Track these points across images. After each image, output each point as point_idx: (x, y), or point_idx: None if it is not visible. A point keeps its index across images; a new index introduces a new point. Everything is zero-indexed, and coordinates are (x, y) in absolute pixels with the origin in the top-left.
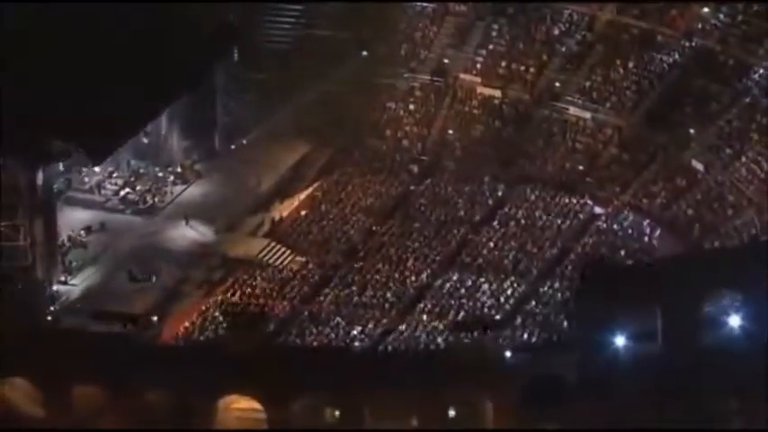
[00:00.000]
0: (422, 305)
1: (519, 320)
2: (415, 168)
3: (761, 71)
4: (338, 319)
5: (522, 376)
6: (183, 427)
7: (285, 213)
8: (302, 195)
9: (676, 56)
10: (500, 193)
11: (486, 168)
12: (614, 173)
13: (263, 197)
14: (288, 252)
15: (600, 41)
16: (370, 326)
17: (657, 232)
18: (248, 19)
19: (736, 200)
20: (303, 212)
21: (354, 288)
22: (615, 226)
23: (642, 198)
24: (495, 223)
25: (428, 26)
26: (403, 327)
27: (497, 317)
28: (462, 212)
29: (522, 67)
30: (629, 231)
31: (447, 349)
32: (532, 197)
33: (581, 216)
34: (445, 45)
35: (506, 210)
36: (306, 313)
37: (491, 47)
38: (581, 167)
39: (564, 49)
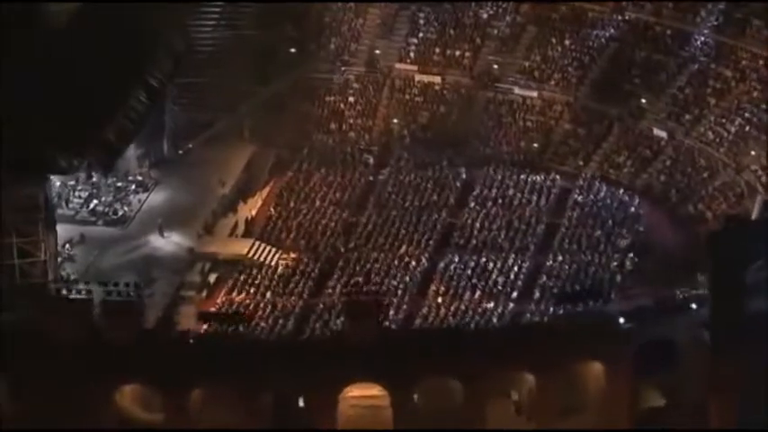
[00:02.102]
0: (433, 288)
1: (537, 294)
2: (371, 159)
3: (701, 38)
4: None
5: (636, 341)
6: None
7: (254, 213)
8: (264, 194)
9: (612, 30)
10: (464, 176)
11: (439, 153)
12: (573, 147)
13: (227, 198)
14: (274, 250)
15: (531, 22)
16: (392, 312)
17: (637, 200)
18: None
19: (708, 163)
20: (272, 211)
21: (360, 278)
22: (591, 197)
23: (609, 169)
24: (473, 205)
25: (353, 19)
26: (425, 310)
27: (514, 293)
28: (435, 197)
29: (458, 52)
30: (609, 202)
31: (561, 320)
32: (499, 177)
33: (554, 191)
34: (374, 36)
35: (478, 191)
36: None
37: (421, 35)
38: (536, 145)
39: (496, 32)
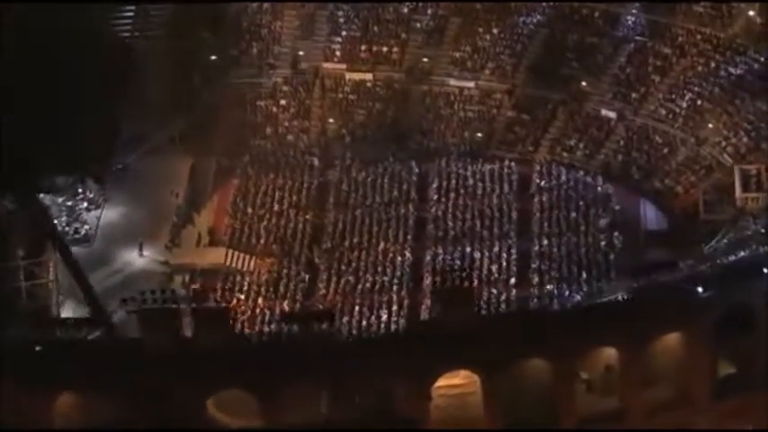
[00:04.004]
0: (427, 282)
1: (536, 279)
2: (315, 161)
3: (631, 18)
4: (358, 307)
5: (716, 309)
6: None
7: (211, 223)
8: (215, 203)
9: (538, 16)
10: (416, 170)
11: (382, 150)
12: (520, 134)
13: (181, 210)
14: (248, 257)
15: (454, 14)
16: (395, 308)
17: (600, 180)
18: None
19: (665, 139)
20: (233, 219)
21: (350, 277)
22: (554, 182)
23: (562, 152)
24: (436, 197)
25: (272, 22)
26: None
27: (512, 280)
28: (395, 192)
29: (385, 48)
30: (573, 184)
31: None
32: (453, 168)
33: (514, 178)
34: (295, 38)
35: (437, 184)
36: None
37: (344, 33)
38: (480, 134)
39: (420, 26)
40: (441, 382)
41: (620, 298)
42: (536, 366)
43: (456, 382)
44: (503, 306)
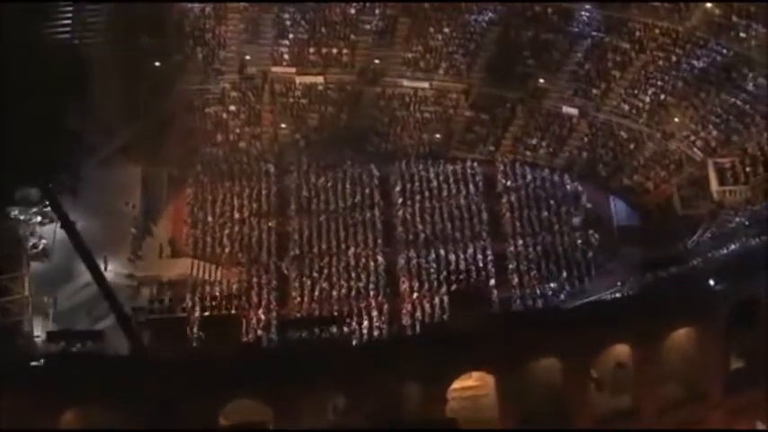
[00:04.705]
0: (405, 286)
1: (516, 280)
2: (271, 167)
3: (585, 13)
4: (337, 314)
5: (728, 302)
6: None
7: (170, 233)
8: (171, 213)
9: (490, 14)
10: (377, 173)
11: (339, 153)
12: (480, 134)
13: (139, 220)
14: (213, 266)
15: (402, 14)
16: (375, 314)
17: (568, 178)
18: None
19: (630, 135)
20: (193, 228)
21: (324, 284)
22: (520, 181)
23: (524, 151)
24: (401, 200)
25: (216, 26)
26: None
27: (491, 281)
28: (358, 197)
29: (335, 50)
30: (540, 183)
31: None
32: (414, 170)
33: (478, 179)
34: (241, 42)
35: (400, 187)
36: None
37: (291, 36)
38: (438, 135)
39: (369, 27)
40: (454, 384)
41: (625, 294)
42: (549, 365)
43: (469, 384)
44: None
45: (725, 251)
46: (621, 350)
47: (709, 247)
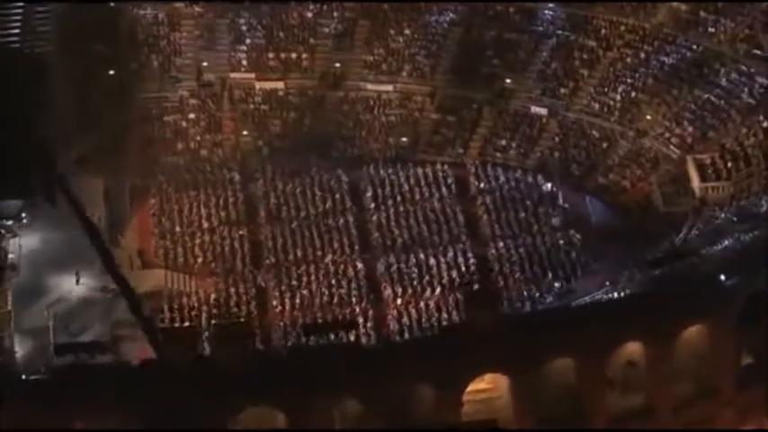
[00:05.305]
0: (387, 292)
1: (501, 283)
2: (236, 175)
3: (549, 12)
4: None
5: (739, 298)
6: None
7: (138, 245)
8: (136, 224)
9: (451, 15)
10: (345, 179)
11: (304, 160)
12: (447, 136)
13: (105, 232)
14: (188, 277)
15: (361, 17)
16: (361, 320)
17: (542, 178)
18: None
19: (603, 133)
20: (159, 239)
21: (304, 292)
22: (493, 183)
23: (494, 152)
24: (373, 205)
25: (170, 33)
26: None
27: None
28: (329, 203)
29: (294, 55)
30: (514, 184)
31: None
32: (383, 175)
33: (450, 181)
34: (197, 48)
35: (371, 192)
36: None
37: (249, 41)
38: (405, 139)
39: (328, 30)
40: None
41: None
42: (563, 365)
43: (481, 387)
44: None
45: (721, 247)
46: (632, 348)
47: (704, 243)
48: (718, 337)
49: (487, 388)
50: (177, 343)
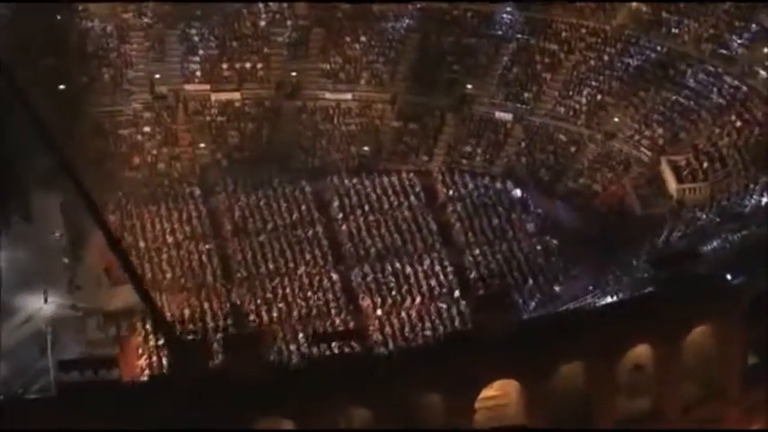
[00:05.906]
0: (366, 303)
1: (482, 290)
2: (197, 190)
3: (507, 16)
4: (302, 334)
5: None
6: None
7: (103, 261)
8: (98, 241)
9: (407, 21)
10: (309, 189)
11: (264, 171)
12: (411, 144)
13: (67, 250)
14: (158, 293)
15: (315, 24)
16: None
17: (510, 184)
18: None
19: (570, 137)
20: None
21: (281, 305)
22: (462, 190)
23: (461, 159)
24: (341, 216)
25: (120, 45)
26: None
27: (456, 292)
28: (296, 214)
29: (248, 65)
30: (483, 190)
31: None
32: (348, 185)
33: (418, 190)
34: (149, 60)
35: (338, 202)
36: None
37: (201, 52)
38: (367, 147)
39: (282, 39)
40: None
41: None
42: (574, 369)
43: (490, 394)
44: (456, 321)
45: (710, 248)
46: (639, 351)
47: (696, 245)
48: (724, 337)
49: (496, 395)
50: (192, 355)
